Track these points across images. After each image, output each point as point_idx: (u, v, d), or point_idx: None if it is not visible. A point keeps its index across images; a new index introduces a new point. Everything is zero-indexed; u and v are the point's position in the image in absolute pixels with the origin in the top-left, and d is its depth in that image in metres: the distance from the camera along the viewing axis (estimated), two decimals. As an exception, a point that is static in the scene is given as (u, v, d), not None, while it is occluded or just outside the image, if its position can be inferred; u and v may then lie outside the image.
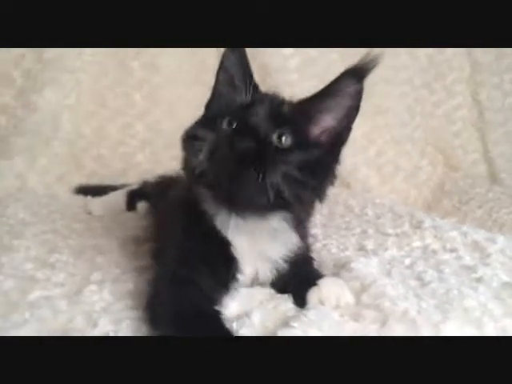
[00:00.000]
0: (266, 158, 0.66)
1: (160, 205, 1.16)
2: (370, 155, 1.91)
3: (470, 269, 0.87)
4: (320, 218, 1.27)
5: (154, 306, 0.69)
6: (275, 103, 0.72)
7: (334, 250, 1.02)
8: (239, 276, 0.77)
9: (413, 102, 2.06)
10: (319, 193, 0.74)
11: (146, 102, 1.81)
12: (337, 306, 0.71)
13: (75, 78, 1.67)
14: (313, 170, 0.70)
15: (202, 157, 0.66)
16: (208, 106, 0.82)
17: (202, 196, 0.76)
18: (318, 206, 0.79)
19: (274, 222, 0.75)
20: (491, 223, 1.49)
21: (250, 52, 0.80)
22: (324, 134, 0.73)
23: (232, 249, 0.76)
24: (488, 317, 0.68)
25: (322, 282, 0.75)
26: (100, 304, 0.74)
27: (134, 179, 1.57)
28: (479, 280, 0.81)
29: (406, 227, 1.16)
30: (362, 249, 1.03)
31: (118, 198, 1.45)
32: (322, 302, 0.71)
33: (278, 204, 0.68)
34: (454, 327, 0.66)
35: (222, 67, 0.79)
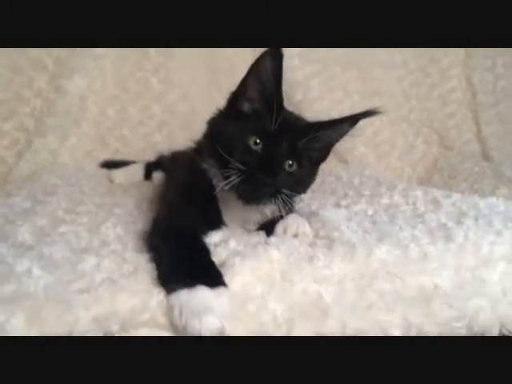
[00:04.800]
0: (278, 188, 0.88)
1: (172, 173, 1.35)
2: (367, 134, 2.00)
3: (420, 216, 1.03)
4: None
5: (153, 228, 0.89)
6: (293, 137, 0.90)
7: (313, 207, 1.18)
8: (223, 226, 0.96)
9: (409, 85, 2.14)
10: (306, 190, 1.01)
11: (162, 85, 1.94)
12: (296, 234, 0.89)
13: (99, 64, 1.82)
14: (307, 181, 0.99)
15: (233, 180, 0.84)
16: (233, 99, 0.95)
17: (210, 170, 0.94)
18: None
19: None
20: (473, 193, 1.56)
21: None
22: (318, 154, 0.97)
23: (219, 204, 0.95)
24: (414, 244, 0.84)
25: (288, 216, 0.93)
26: (112, 235, 0.94)
27: (152, 157, 1.72)
28: (422, 222, 0.97)
29: (382, 190, 1.31)
30: (337, 205, 1.20)
31: (136, 168, 1.66)
32: (285, 231, 0.90)
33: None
34: (384, 250, 0.82)
35: (256, 68, 0.89)
